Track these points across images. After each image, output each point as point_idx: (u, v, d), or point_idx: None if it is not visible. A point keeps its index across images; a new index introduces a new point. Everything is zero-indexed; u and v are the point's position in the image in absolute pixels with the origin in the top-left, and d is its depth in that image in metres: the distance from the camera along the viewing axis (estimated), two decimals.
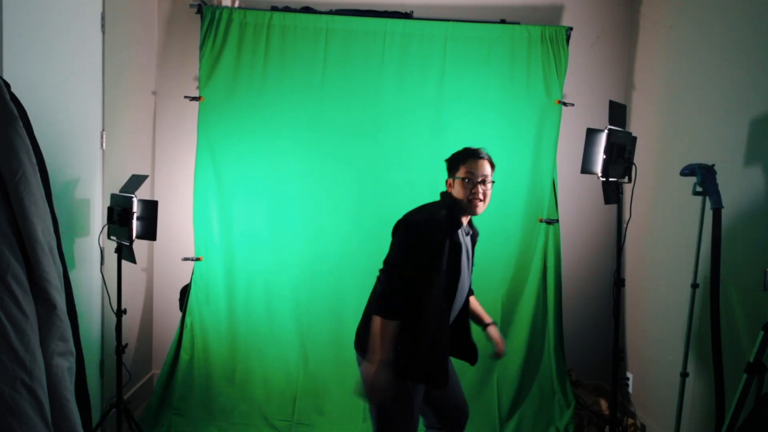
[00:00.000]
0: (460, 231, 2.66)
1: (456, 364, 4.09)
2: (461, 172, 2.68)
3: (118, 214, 3.07)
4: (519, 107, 4.16)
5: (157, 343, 4.40)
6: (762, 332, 2.44)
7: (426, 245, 2.54)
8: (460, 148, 4.10)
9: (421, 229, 2.57)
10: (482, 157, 2.70)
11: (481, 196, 2.63)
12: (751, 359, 2.46)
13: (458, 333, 2.83)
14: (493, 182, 2.70)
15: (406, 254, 2.56)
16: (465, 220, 2.73)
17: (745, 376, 2.45)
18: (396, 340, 2.51)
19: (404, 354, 2.54)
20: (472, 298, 3.03)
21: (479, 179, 2.63)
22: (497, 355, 3.01)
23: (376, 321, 2.49)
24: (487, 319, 3.04)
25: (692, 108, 3.55)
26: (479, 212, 2.68)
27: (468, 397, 4.04)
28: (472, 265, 2.86)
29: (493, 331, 3.01)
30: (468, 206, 2.64)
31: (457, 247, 2.61)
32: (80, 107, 3.25)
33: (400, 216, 4.11)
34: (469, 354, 2.88)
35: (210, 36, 4.05)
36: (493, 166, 2.73)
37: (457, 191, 2.67)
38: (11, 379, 1.86)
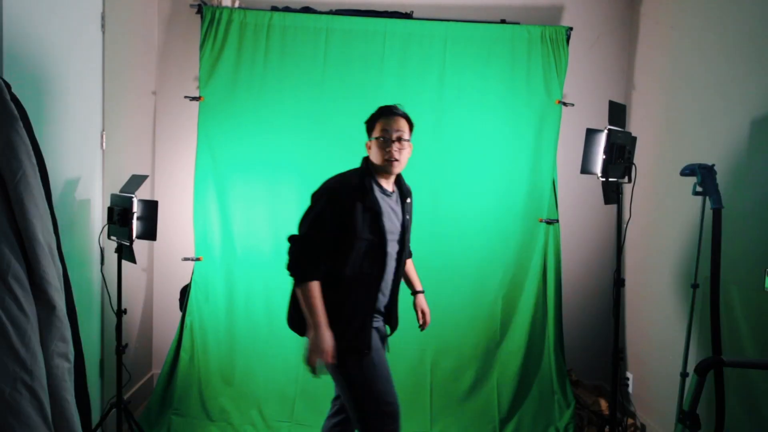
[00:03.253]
0: (378, 195, 2.64)
1: (450, 366, 4.12)
2: (377, 131, 2.66)
3: (118, 214, 3.08)
4: (519, 107, 4.17)
5: (157, 343, 4.40)
6: (695, 376, 2.27)
7: (334, 210, 2.54)
8: (460, 147, 4.15)
9: (331, 194, 2.58)
10: (397, 114, 2.69)
11: (396, 155, 2.61)
12: (686, 407, 2.30)
13: (391, 297, 2.83)
14: (409, 142, 2.69)
15: (314, 219, 2.56)
16: (386, 183, 2.71)
17: (680, 426, 2.32)
18: (323, 302, 2.53)
19: (334, 321, 2.56)
20: (408, 262, 3.04)
21: (394, 137, 2.61)
22: (422, 327, 3.08)
23: (297, 290, 2.57)
24: (419, 286, 3.08)
25: (692, 108, 3.55)
26: (396, 171, 2.68)
27: (467, 397, 4.08)
28: (406, 225, 2.80)
29: (421, 300, 3.07)
30: (385, 166, 2.63)
31: (372, 210, 2.58)
32: (80, 107, 3.26)
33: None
34: (392, 320, 2.88)
35: (210, 36, 4.05)
36: (410, 124, 2.72)
37: (374, 153, 2.66)
38: (12, 379, 1.86)
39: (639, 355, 4.13)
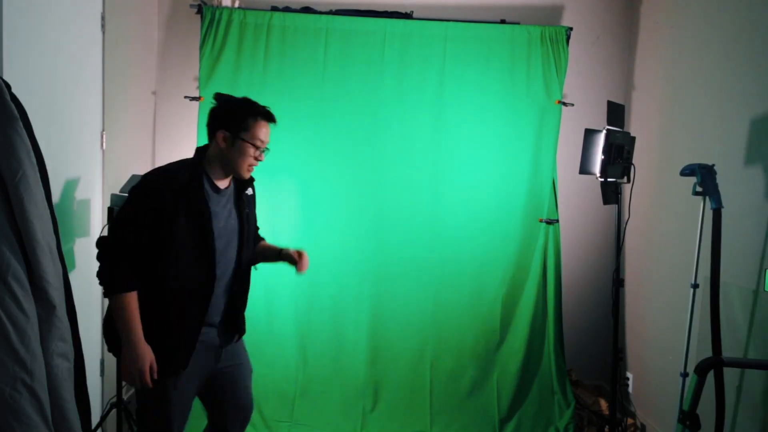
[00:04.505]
0: (210, 193, 2.36)
1: (450, 366, 4.12)
2: (250, 135, 2.37)
3: None
4: (519, 107, 4.17)
5: None
6: (695, 376, 2.27)
7: (154, 210, 2.23)
8: (460, 147, 4.15)
9: (150, 190, 2.27)
10: (272, 122, 2.47)
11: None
12: (686, 407, 2.29)
13: (231, 305, 2.56)
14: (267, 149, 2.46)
15: (129, 220, 2.26)
16: (223, 181, 2.44)
17: (680, 426, 2.30)
18: (137, 317, 2.22)
19: (152, 342, 2.26)
20: (259, 246, 2.75)
21: (263, 147, 2.42)
22: (299, 270, 2.63)
23: (110, 302, 2.25)
24: (277, 248, 2.72)
25: (692, 108, 3.55)
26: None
27: (467, 397, 4.08)
28: (246, 221, 2.53)
29: (287, 250, 2.66)
30: (242, 173, 2.42)
31: (199, 212, 2.29)
32: (80, 107, 3.26)
33: (399, 215, 4.15)
34: (236, 327, 2.63)
35: (210, 36, 4.05)
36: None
37: (232, 152, 2.38)
38: (12, 378, 1.87)
39: (639, 355, 4.13)
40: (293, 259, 2.62)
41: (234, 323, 2.60)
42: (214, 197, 2.38)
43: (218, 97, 2.50)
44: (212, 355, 2.48)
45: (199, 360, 2.37)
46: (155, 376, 2.25)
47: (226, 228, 2.43)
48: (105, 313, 2.43)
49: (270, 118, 2.46)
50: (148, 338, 2.25)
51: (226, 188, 2.46)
